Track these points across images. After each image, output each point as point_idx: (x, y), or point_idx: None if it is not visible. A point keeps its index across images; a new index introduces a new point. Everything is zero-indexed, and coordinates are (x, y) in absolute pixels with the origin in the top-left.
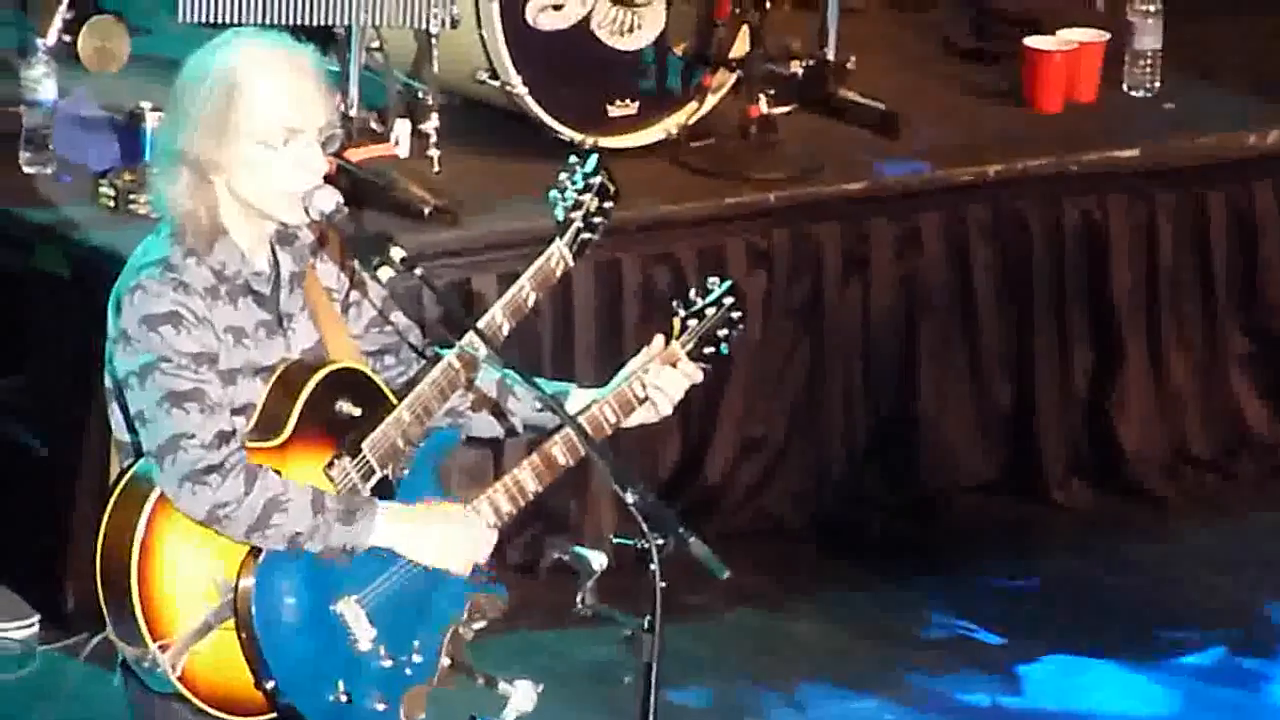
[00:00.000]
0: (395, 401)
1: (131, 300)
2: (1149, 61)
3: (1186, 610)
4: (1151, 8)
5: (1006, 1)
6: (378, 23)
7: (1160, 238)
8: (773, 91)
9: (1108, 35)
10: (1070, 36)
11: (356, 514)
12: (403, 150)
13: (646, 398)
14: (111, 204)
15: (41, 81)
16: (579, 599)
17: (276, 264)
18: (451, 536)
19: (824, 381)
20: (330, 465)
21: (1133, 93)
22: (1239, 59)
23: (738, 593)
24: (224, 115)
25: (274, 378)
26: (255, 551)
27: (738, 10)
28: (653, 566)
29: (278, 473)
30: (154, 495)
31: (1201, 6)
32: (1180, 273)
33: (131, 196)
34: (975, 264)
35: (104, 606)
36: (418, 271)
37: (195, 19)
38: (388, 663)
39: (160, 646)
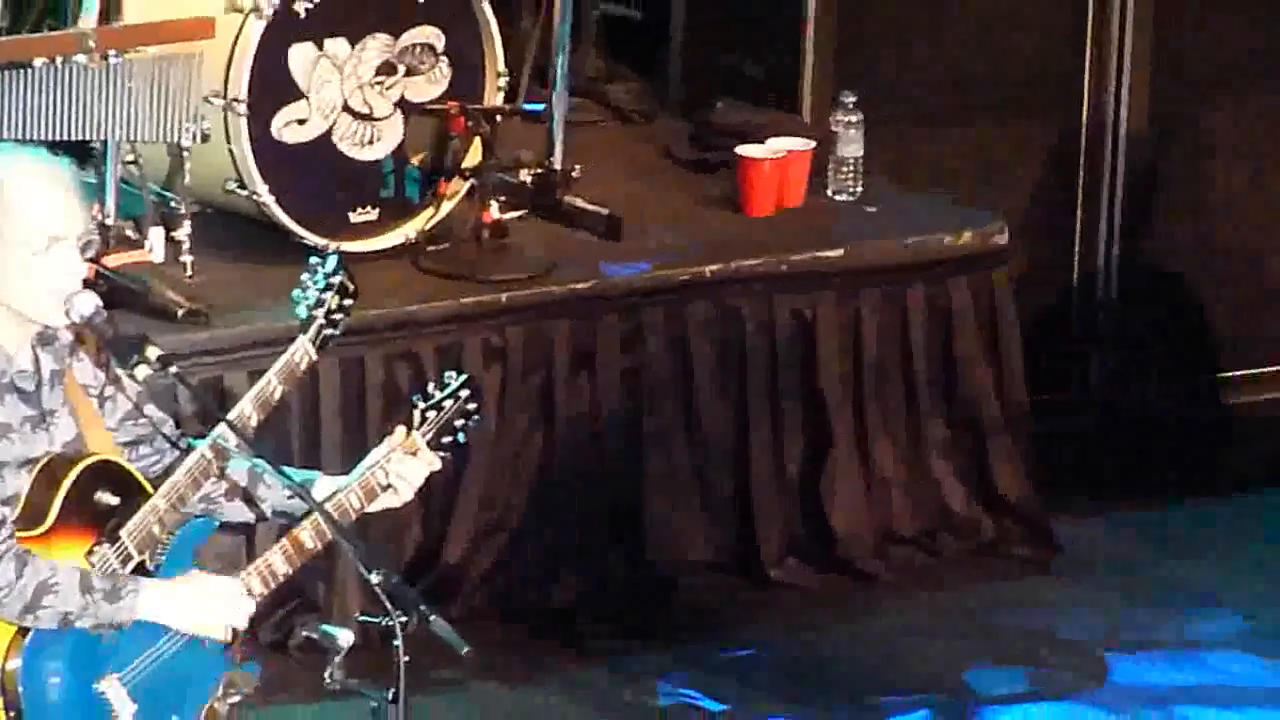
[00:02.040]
0: (152, 490)
1: None
2: (851, 168)
3: (896, 677)
4: (853, 119)
5: (722, 115)
6: (132, 138)
7: (865, 333)
8: (504, 198)
9: (814, 144)
10: (779, 146)
11: (122, 591)
12: (157, 256)
13: (389, 485)
14: None
15: None
16: (328, 674)
17: (38, 363)
18: (210, 603)
19: (557, 469)
20: (90, 552)
21: (837, 197)
22: (935, 166)
23: (483, 668)
24: None
25: (37, 469)
26: (23, 632)
27: (470, 124)
28: (396, 643)
29: None
30: None
31: (900, 118)
32: (884, 365)
33: None
34: (695, 358)
35: None
36: (172, 369)
37: None
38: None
39: None
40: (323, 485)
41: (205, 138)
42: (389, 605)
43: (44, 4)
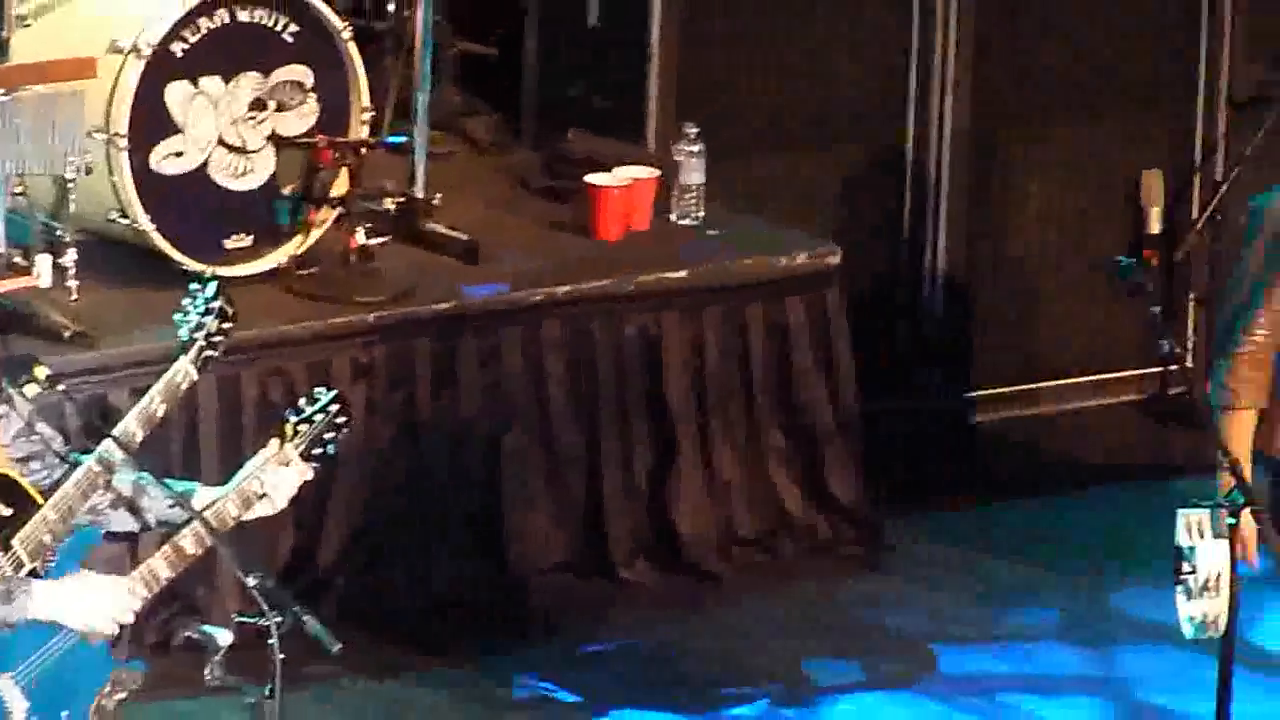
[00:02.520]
0: (42, 502)
1: None
2: (694, 195)
3: (739, 669)
4: (694, 149)
5: (572, 146)
6: (20, 171)
7: (707, 348)
8: (370, 225)
9: (658, 172)
10: (626, 174)
11: (14, 592)
12: (45, 281)
13: (264, 494)
14: None
15: None
16: (208, 671)
17: None
18: (98, 601)
19: (421, 479)
20: None
21: (680, 222)
22: (772, 192)
23: (352, 665)
24: None
25: None
26: None
27: (337, 156)
28: (272, 641)
29: None
30: None
31: (738, 147)
32: (725, 379)
33: None
34: (549, 373)
35: None
36: (60, 388)
37: None
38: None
39: None
40: (202, 495)
41: (89, 170)
42: (264, 606)
43: None
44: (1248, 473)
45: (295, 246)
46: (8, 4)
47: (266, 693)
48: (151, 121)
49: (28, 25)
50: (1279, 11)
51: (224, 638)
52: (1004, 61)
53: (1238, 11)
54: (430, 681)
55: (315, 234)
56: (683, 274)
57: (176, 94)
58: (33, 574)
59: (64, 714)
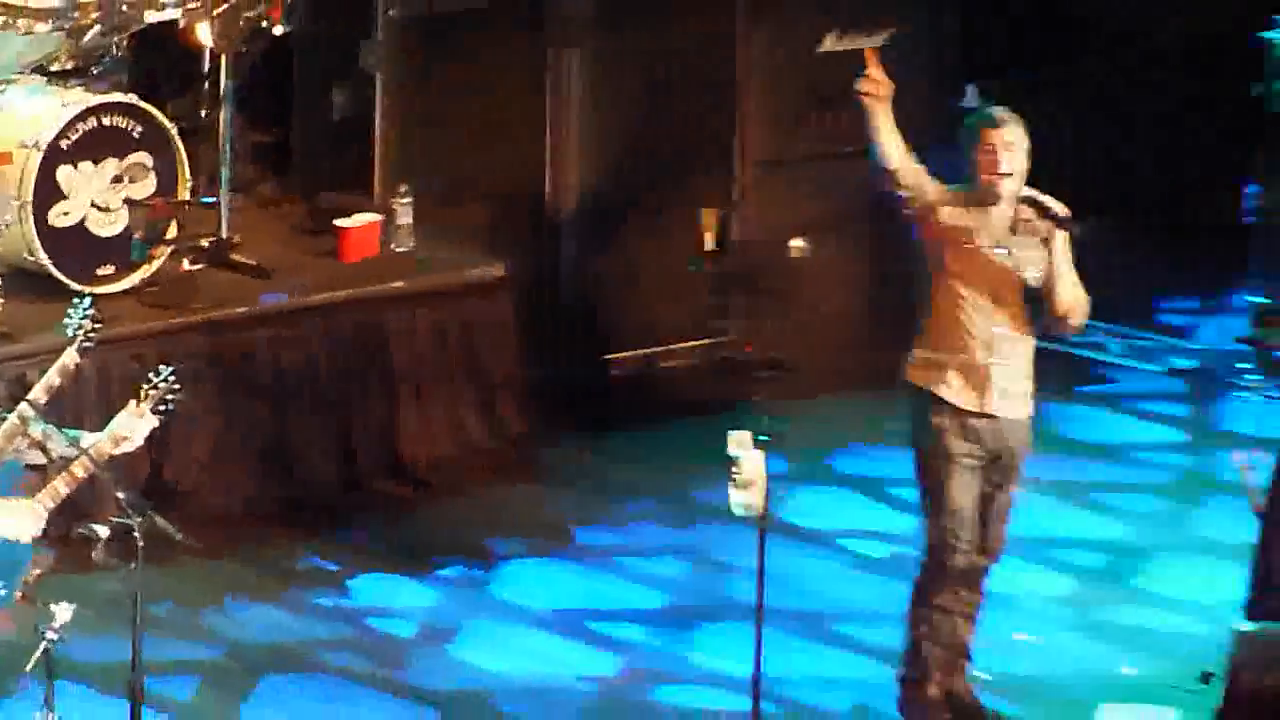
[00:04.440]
0: None
1: None
2: (406, 231)
3: (442, 547)
4: (406, 200)
5: (325, 200)
6: None
7: (418, 335)
8: (193, 256)
9: (382, 216)
10: (362, 218)
11: None
12: None
13: (127, 436)
14: None
15: None
16: (95, 556)
17: None
18: (14, 518)
19: (231, 425)
20: None
21: (398, 250)
22: (459, 227)
23: (191, 549)
24: None
25: None
26: None
27: (170, 211)
28: (135, 534)
29: None
30: None
31: (434, 196)
32: (431, 355)
33: None
34: (319, 353)
35: None
36: None
37: None
38: None
39: None
40: (87, 439)
41: (8, 226)
42: (129, 511)
43: None
44: None
45: (144, 272)
46: None
47: (133, 567)
48: (49, 192)
49: None
50: (790, 87)
51: (103, 532)
52: (616, 122)
53: (750, 96)
54: (239, 559)
55: (156, 263)
56: (402, 284)
57: (64, 174)
58: None
59: (1, 584)
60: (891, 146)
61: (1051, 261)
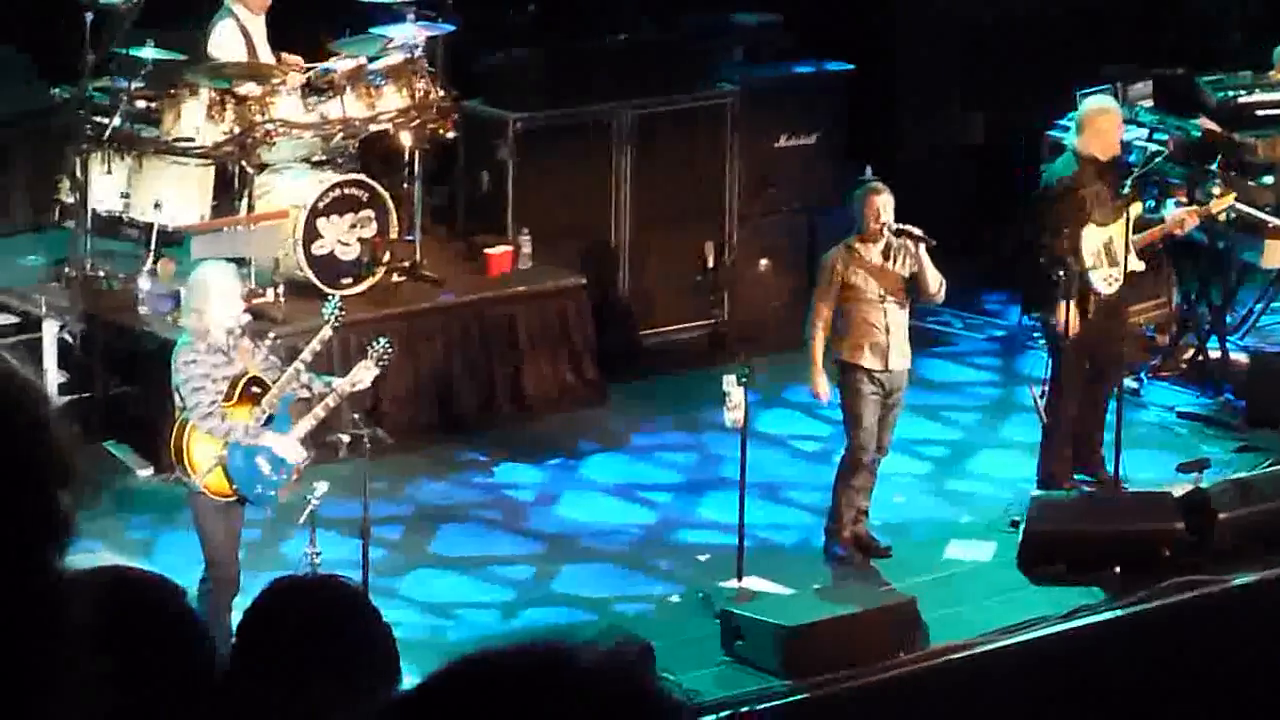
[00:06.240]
0: (272, 386)
1: (176, 354)
2: (526, 256)
3: (532, 447)
4: (526, 237)
5: (479, 239)
6: (248, 257)
7: (533, 319)
8: (398, 272)
9: (512, 248)
10: (499, 248)
11: (259, 436)
12: (269, 299)
13: (359, 380)
14: None
15: None
16: (339, 452)
17: (228, 340)
18: (289, 446)
19: (426, 378)
20: (250, 412)
21: (521, 268)
22: (558, 251)
23: (394, 449)
24: None
25: (229, 384)
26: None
27: (384, 243)
28: (365, 440)
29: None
30: (189, 423)
31: (547, 236)
32: (550, 335)
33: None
34: (474, 332)
35: (174, 460)
36: (277, 340)
37: None
38: (277, 474)
39: (196, 477)
40: (336, 382)
41: (286, 255)
42: (361, 426)
43: None
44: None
45: (369, 282)
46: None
47: (362, 458)
48: (311, 234)
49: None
50: (761, 160)
51: (345, 439)
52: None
53: (739, 158)
54: (423, 454)
55: (376, 277)
56: (523, 288)
57: (320, 222)
58: (269, 419)
59: (279, 474)
60: (819, 336)
61: (920, 262)
